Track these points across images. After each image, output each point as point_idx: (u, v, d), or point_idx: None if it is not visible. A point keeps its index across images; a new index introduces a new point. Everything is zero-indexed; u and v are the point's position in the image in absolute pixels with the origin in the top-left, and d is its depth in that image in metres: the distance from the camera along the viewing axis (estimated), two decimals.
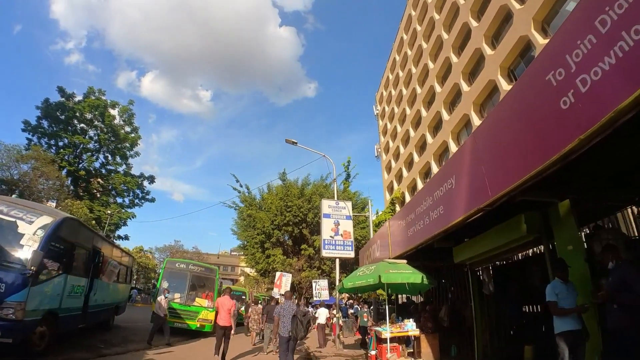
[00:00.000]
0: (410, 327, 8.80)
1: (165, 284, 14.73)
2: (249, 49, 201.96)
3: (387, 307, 8.62)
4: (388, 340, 8.24)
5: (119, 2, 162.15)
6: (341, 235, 13.91)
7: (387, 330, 8.32)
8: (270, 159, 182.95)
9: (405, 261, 8.66)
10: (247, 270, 43.35)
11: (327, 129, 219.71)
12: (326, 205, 14.36)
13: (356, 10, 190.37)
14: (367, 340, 10.38)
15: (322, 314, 13.63)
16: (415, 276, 7.88)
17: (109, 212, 30.76)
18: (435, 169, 26.48)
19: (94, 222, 28.92)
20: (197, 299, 14.17)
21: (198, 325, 13.56)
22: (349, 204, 14.85)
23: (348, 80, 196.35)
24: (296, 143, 16.41)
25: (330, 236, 13.74)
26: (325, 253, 13.58)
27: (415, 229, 8.30)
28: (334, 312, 15.02)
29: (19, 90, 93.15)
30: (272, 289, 21.38)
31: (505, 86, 17.66)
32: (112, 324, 12.87)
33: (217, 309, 8.73)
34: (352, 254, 14.05)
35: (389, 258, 9.41)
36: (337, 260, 13.94)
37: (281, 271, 20.13)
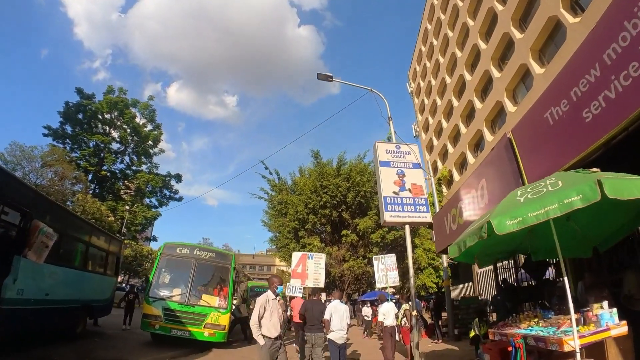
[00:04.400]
0: (608, 318, 3.79)
1: (164, 277, 10.70)
2: (271, 51, 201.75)
3: (567, 286, 3.69)
4: (578, 355, 3.35)
5: (138, 16, 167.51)
6: (409, 190, 9.03)
7: (575, 332, 3.42)
8: (302, 159, 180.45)
9: (598, 169, 3.70)
10: (283, 268, 39.41)
11: (357, 123, 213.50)
12: (383, 150, 9.47)
13: None
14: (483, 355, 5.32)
15: (388, 313, 8.68)
16: None
17: (126, 207, 27.78)
18: (488, 137, 23.50)
19: (111, 218, 26.21)
20: (204, 297, 9.91)
21: (205, 334, 9.26)
22: (415, 147, 9.90)
23: (372, 71, 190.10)
24: (331, 78, 11.87)
25: (394, 192, 8.86)
26: (388, 217, 8.64)
27: (613, 95, 3.52)
28: (404, 306, 10.07)
29: (49, 109, 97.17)
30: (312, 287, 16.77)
31: (571, 19, 14.70)
32: (80, 330, 8.76)
33: (292, 309, 10.11)
34: (427, 217, 9.00)
35: (520, 195, 4.08)
36: (407, 228, 9.03)
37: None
